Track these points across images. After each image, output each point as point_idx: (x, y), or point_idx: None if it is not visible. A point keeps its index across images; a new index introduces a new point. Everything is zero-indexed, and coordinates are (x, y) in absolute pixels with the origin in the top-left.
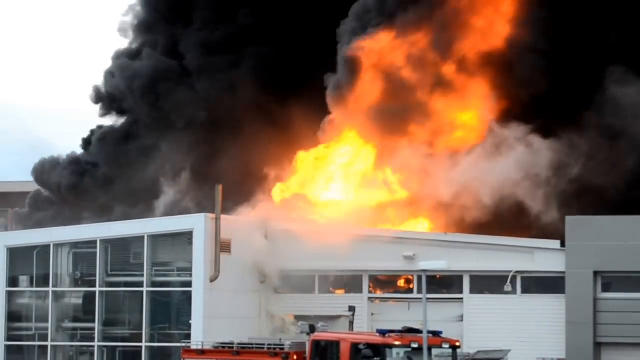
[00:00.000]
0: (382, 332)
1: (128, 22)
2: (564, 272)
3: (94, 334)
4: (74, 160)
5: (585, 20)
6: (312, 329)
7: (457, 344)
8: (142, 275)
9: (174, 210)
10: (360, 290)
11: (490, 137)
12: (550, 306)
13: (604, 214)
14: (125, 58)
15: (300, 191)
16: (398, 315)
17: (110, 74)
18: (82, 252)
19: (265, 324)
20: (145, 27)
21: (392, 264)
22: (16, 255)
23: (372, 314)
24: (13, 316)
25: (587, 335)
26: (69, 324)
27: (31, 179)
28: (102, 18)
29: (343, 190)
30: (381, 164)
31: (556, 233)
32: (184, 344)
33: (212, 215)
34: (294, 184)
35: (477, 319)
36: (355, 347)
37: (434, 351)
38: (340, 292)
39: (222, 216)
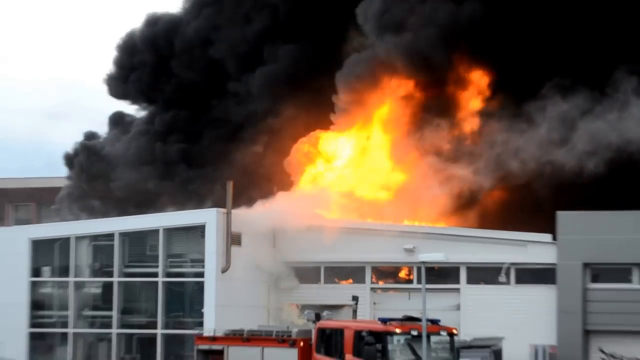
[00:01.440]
0: (384, 320)
1: None
2: (555, 264)
3: (112, 321)
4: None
5: None
6: (318, 317)
7: (454, 331)
8: (158, 267)
9: None
10: (363, 281)
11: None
12: (542, 296)
13: None
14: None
15: (310, 187)
16: (399, 304)
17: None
18: (101, 244)
19: (273, 312)
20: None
21: (393, 256)
22: (39, 247)
23: (374, 303)
24: (36, 305)
25: (577, 323)
26: (89, 312)
27: (50, 174)
28: None
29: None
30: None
31: None
32: (196, 331)
33: (224, 210)
34: (304, 180)
35: (473, 308)
36: (358, 334)
37: (433, 338)
38: (344, 282)
39: (233, 211)
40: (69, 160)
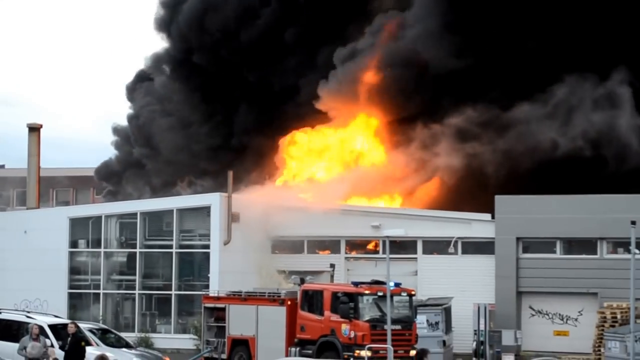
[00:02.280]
0: (355, 284)
1: None
2: (494, 238)
3: (135, 284)
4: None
5: None
6: (302, 281)
7: (413, 292)
8: (172, 240)
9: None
10: (339, 252)
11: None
12: (483, 264)
13: None
14: None
15: (295, 175)
16: (367, 270)
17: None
18: (126, 221)
19: (265, 277)
20: None
21: (363, 232)
22: (76, 224)
23: (348, 270)
24: (74, 270)
25: (511, 286)
26: (116, 276)
27: (85, 165)
28: None
29: (332, 173)
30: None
31: None
32: (204, 292)
33: (225, 194)
34: (290, 169)
35: (427, 274)
36: (335, 295)
37: (395, 298)
38: (323, 253)
39: (233, 195)
40: (125, 163)
